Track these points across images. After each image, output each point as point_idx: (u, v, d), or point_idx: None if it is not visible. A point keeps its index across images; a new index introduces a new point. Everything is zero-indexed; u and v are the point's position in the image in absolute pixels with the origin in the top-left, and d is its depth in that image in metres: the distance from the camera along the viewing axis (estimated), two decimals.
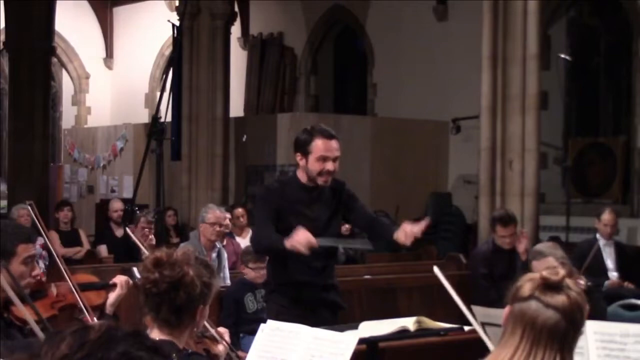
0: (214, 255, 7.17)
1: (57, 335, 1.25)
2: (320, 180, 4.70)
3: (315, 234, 4.63)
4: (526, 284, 2.34)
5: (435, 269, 3.85)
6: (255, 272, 6.29)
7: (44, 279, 4.01)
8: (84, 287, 3.98)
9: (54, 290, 3.86)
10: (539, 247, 5.91)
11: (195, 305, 2.90)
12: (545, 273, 2.33)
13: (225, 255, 7.52)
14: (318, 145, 4.67)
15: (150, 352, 1.25)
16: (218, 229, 7.27)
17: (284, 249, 4.50)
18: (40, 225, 4.05)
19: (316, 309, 4.72)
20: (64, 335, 1.24)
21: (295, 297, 4.74)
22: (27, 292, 3.42)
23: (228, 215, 8.78)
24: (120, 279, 4.00)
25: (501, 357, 2.29)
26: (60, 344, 1.22)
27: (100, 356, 1.20)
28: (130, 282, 4.00)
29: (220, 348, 3.62)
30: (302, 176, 4.78)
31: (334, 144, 4.70)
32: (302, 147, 4.73)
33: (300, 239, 4.44)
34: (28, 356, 1.25)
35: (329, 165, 4.67)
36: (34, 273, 3.43)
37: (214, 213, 7.32)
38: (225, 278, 7.24)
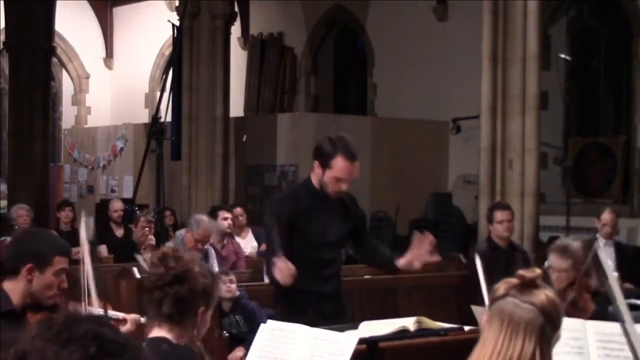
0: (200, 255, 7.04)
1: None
2: (331, 194, 4.64)
3: (326, 239, 4.63)
4: (502, 285, 2.42)
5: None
6: (222, 285, 6.07)
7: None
8: None
9: (70, 309, 3.82)
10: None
11: (197, 303, 2.92)
12: (521, 272, 2.39)
13: (214, 255, 7.39)
14: (339, 165, 4.54)
15: (113, 330, 1.38)
16: (200, 246, 6.94)
17: (272, 262, 4.42)
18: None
19: (323, 317, 4.61)
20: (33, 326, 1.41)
21: (305, 304, 4.63)
22: (49, 303, 3.44)
23: (228, 215, 8.76)
24: (132, 317, 3.91)
25: (483, 353, 2.32)
26: (31, 331, 1.37)
27: (69, 333, 1.33)
28: (142, 320, 3.93)
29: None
30: (316, 182, 4.69)
31: (355, 167, 4.58)
32: (323, 158, 4.59)
33: (284, 270, 4.31)
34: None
35: (344, 186, 4.60)
36: (62, 286, 3.45)
37: (204, 230, 6.89)
38: None
